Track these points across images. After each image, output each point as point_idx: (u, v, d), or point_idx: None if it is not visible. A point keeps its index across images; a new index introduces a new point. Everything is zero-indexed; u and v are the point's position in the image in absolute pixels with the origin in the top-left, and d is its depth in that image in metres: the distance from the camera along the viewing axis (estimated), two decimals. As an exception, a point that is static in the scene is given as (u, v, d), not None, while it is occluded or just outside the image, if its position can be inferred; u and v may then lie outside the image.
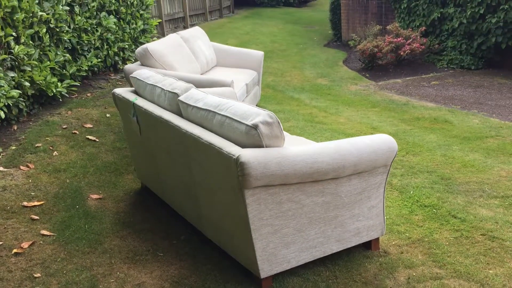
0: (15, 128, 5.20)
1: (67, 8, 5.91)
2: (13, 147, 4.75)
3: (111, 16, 7.17)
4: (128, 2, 7.70)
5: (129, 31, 7.75)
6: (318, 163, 2.74)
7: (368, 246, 3.25)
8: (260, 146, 2.67)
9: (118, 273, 3.02)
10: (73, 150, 4.83)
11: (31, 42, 5.13)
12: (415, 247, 3.26)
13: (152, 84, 3.61)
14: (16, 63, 4.90)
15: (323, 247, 3.01)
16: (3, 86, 4.40)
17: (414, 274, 2.97)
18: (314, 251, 2.99)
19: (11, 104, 4.78)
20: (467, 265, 3.04)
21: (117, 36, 7.41)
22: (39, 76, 5.27)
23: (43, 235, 3.41)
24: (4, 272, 2.99)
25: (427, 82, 8.03)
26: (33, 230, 3.46)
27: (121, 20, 7.54)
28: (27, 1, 4.95)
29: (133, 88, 3.96)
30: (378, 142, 3.00)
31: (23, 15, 4.84)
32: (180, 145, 3.13)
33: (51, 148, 4.81)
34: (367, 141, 2.98)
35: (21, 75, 5.00)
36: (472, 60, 8.75)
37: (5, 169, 4.33)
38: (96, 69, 6.99)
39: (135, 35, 8.00)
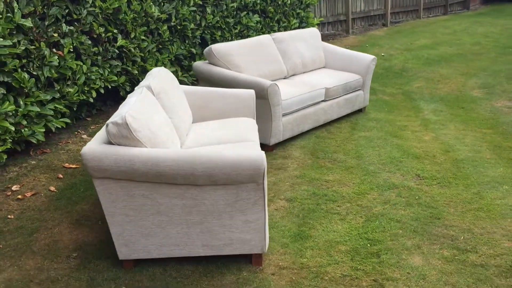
0: (128, 106, 6.40)
1: (194, 8, 6.81)
2: (110, 122, 5.92)
3: (255, 16, 7.82)
4: (280, 2, 8.22)
5: (276, 29, 8.29)
6: (159, 167, 2.96)
7: (250, 259, 3.26)
8: (110, 143, 3.05)
9: (56, 229, 3.78)
10: (149, 130, 5.75)
11: (143, 37, 6.20)
12: (294, 273, 3.12)
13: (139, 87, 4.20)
14: (123, 54, 6.04)
15: (187, 247, 3.20)
16: (94, 71, 5.56)
17: (251, 296, 2.92)
18: (178, 249, 3.20)
19: (109, 87, 5.94)
20: (308, 303, 2.82)
21: (261, 33, 8.04)
22: (151, 66, 6.34)
23: (50, 190, 4.40)
24: (-4, 209, 4.08)
25: None
26: (49, 185, 4.48)
27: (267, 18, 8.13)
28: (138, 4, 6.01)
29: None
30: (240, 159, 2.98)
31: (131, 15, 5.91)
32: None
33: (134, 126, 5.82)
34: (228, 155, 3.00)
35: (130, 64, 6.13)
36: None
37: (87, 137, 5.51)
38: (231, 62, 7.78)
39: (287, 33, 8.48)
